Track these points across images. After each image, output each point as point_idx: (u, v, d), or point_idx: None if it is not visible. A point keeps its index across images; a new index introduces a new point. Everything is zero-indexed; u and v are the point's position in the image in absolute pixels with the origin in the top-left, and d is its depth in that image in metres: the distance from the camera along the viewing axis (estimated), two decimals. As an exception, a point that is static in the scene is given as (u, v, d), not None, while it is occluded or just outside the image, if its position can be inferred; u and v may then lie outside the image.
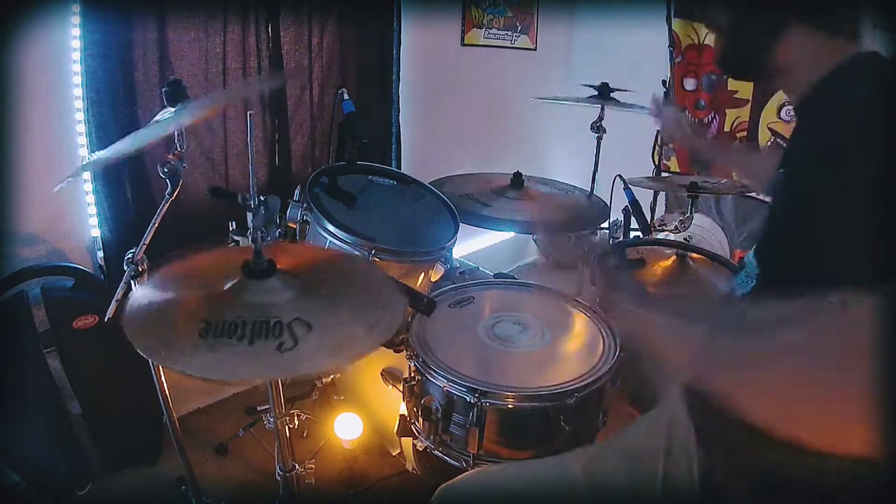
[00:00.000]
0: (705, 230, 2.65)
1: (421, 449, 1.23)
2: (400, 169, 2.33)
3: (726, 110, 2.78)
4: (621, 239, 1.87)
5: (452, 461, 1.17)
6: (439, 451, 1.19)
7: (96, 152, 1.34)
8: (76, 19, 1.55)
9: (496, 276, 1.77)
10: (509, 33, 2.92)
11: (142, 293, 0.93)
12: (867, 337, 0.50)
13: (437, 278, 1.48)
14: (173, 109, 1.12)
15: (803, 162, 0.75)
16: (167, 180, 1.14)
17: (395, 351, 1.33)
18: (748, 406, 0.59)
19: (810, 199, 0.70)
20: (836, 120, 0.70)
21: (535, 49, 3.06)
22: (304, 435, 1.91)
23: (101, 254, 1.75)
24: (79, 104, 1.61)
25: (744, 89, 2.71)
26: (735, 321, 0.70)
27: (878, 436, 0.49)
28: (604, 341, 1.26)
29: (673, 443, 0.89)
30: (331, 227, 1.34)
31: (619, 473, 0.92)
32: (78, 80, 1.59)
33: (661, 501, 0.87)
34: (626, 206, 1.90)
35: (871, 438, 0.50)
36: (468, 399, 1.10)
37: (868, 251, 0.62)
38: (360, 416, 1.67)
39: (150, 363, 1.29)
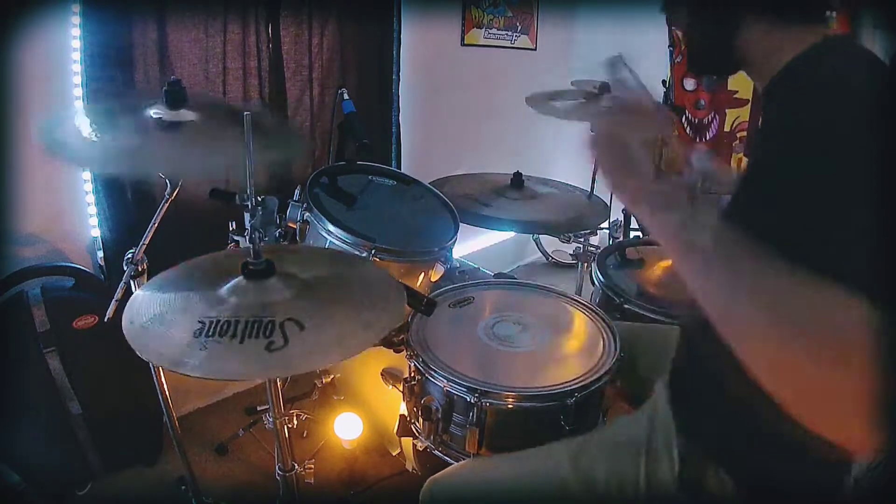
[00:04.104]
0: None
1: (421, 449, 1.23)
2: (400, 169, 2.33)
3: (726, 110, 2.78)
4: (621, 239, 1.87)
5: (452, 461, 1.17)
6: (439, 451, 1.19)
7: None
8: (76, 19, 1.55)
9: (496, 276, 1.77)
10: (509, 33, 2.92)
11: (142, 293, 0.94)
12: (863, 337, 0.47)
13: (437, 278, 1.48)
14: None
15: (769, 145, 0.72)
16: (167, 180, 1.14)
17: (395, 351, 1.33)
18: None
19: (774, 186, 0.66)
20: (803, 101, 0.68)
21: (535, 49, 3.06)
22: (304, 435, 1.91)
23: (101, 254, 1.75)
24: (79, 104, 1.61)
25: (744, 89, 2.70)
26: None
27: (873, 436, 0.47)
28: (604, 341, 1.25)
29: (655, 434, 0.90)
30: (331, 227, 1.34)
31: (603, 464, 0.92)
32: (78, 80, 1.59)
33: (644, 491, 0.88)
34: (627, 206, 1.90)
35: (864, 436, 0.48)
36: (468, 399, 1.10)
37: (837, 243, 0.58)
38: (360, 416, 1.67)
39: (150, 363, 1.30)
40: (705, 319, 0.59)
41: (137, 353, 0.78)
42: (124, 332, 0.82)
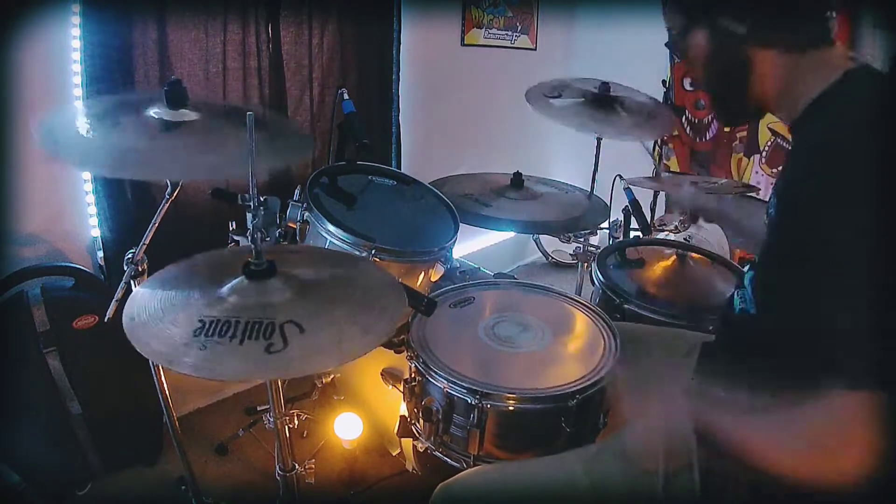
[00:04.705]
0: (705, 230, 2.65)
1: (421, 450, 1.23)
2: (400, 169, 2.33)
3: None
4: (621, 239, 1.87)
5: (453, 462, 1.17)
6: (440, 452, 1.19)
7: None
8: (76, 19, 1.54)
9: (496, 276, 1.77)
10: (509, 33, 2.92)
11: (143, 290, 0.94)
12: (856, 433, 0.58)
13: (437, 278, 1.48)
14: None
15: (793, 197, 0.72)
16: (167, 180, 1.14)
17: (395, 351, 1.33)
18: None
19: (800, 242, 0.67)
20: (832, 142, 0.68)
21: (535, 49, 3.06)
22: (304, 435, 1.91)
23: (101, 254, 1.75)
24: (79, 104, 1.61)
25: (744, 89, 2.70)
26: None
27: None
28: (605, 342, 1.25)
29: (673, 444, 0.89)
30: (331, 227, 1.34)
31: (619, 474, 0.92)
32: (78, 80, 1.59)
33: (661, 503, 0.87)
34: (626, 206, 1.90)
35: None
36: (469, 400, 1.10)
37: (867, 303, 0.61)
38: (360, 416, 1.67)
39: (150, 363, 1.30)
40: (727, 342, 0.68)
41: (137, 349, 0.78)
42: (124, 328, 0.82)
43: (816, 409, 0.62)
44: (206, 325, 0.81)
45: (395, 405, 1.33)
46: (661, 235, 2.05)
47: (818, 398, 0.61)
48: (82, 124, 1.01)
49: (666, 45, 0.92)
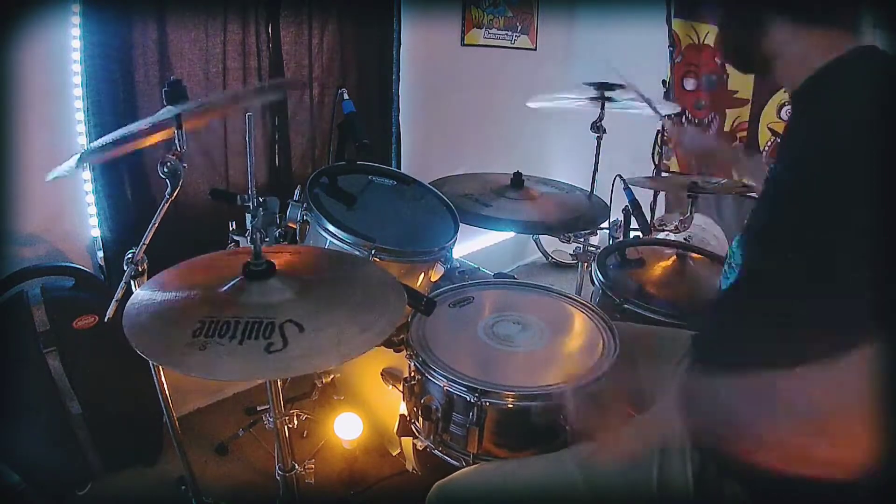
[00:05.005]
0: (705, 230, 2.66)
1: (421, 449, 1.23)
2: (400, 169, 2.33)
3: (726, 110, 2.78)
4: (621, 239, 1.87)
5: (452, 461, 1.17)
6: (439, 451, 1.19)
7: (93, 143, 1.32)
8: (76, 19, 1.55)
9: (496, 276, 1.77)
10: (509, 33, 2.92)
11: (142, 293, 0.94)
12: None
13: (437, 278, 1.48)
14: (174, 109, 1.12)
15: (796, 154, 0.74)
16: (167, 180, 1.14)
17: (395, 351, 1.33)
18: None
19: (802, 194, 0.69)
20: (830, 113, 0.69)
21: (535, 49, 3.06)
22: (304, 435, 1.91)
23: (101, 254, 1.75)
24: (79, 104, 1.61)
25: (744, 89, 2.71)
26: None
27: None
28: (604, 341, 1.25)
29: (668, 442, 0.90)
30: (331, 227, 1.34)
31: (614, 472, 0.92)
32: (78, 80, 1.59)
33: (656, 501, 0.87)
34: (626, 206, 1.90)
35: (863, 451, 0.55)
36: (468, 398, 1.10)
37: (861, 253, 0.61)
38: (360, 416, 1.67)
39: (150, 363, 1.30)
40: (716, 336, 0.66)
41: (137, 350, 0.78)
42: (124, 328, 0.82)
43: (812, 375, 0.60)
44: (206, 326, 0.81)
45: (394, 405, 1.32)
46: (661, 235, 2.06)
47: (813, 365, 0.60)
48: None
49: None
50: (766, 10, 0.80)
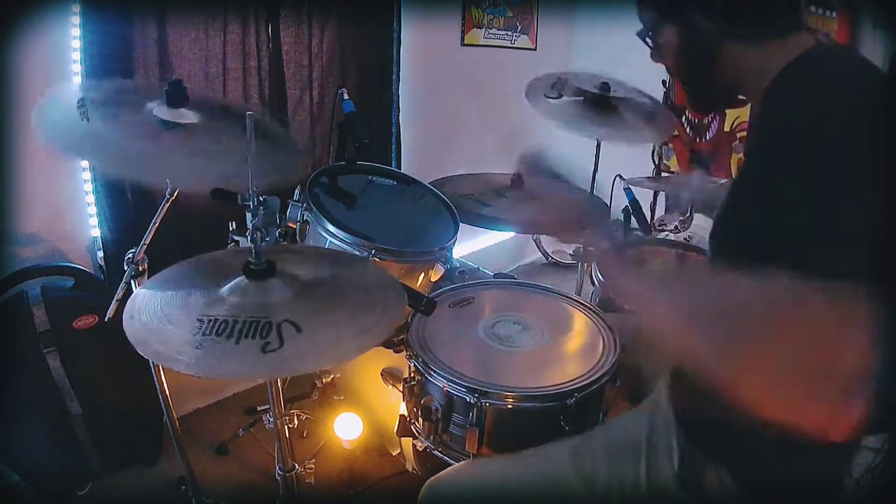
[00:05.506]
0: (705, 230, 2.66)
1: (421, 449, 1.23)
2: (400, 169, 2.33)
3: (726, 110, 2.78)
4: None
5: (452, 461, 1.17)
6: (439, 452, 1.19)
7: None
8: (76, 19, 1.55)
9: (496, 276, 1.76)
10: (509, 33, 2.92)
11: (144, 289, 0.94)
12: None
13: (437, 278, 1.48)
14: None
15: (763, 145, 0.74)
16: (167, 180, 1.14)
17: (395, 351, 1.33)
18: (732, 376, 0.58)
19: (769, 186, 0.68)
20: (796, 100, 0.69)
21: (535, 49, 3.06)
22: (304, 435, 1.91)
23: (101, 254, 1.75)
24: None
25: (744, 89, 2.70)
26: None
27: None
28: (604, 341, 1.26)
29: (655, 432, 0.90)
30: (331, 227, 1.34)
31: (603, 463, 0.93)
32: (78, 80, 1.59)
33: (644, 490, 0.88)
34: (626, 206, 1.90)
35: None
36: (468, 399, 1.10)
37: (830, 243, 0.60)
38: (360, 416, 1.67)
39: (150, 363, 1.30)
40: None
41: (135, 348, 0.78)
42: (124, 328, 0.82)
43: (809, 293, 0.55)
44: (205, 325, 0.81)
45: (394, 405, 1.33)
46: (661, 235, 2.06)
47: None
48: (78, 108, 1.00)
49: (637, 34, 0.93)
50: (718, 39, 0.79)
